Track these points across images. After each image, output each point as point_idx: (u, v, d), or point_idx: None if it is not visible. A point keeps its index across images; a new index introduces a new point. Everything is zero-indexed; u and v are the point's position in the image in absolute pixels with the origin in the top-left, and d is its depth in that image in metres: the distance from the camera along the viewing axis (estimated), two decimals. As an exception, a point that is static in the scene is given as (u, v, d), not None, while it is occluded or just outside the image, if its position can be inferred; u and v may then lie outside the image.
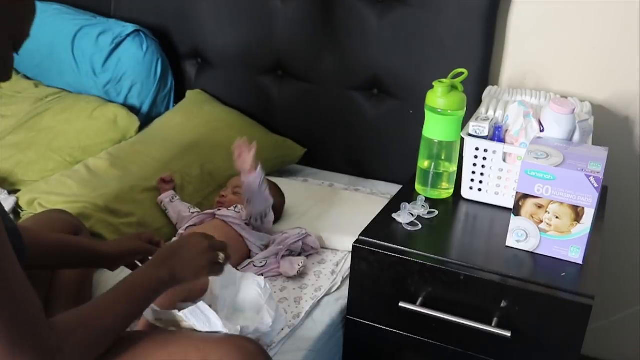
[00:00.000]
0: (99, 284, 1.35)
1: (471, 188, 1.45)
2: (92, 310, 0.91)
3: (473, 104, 1.55)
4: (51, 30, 2.05)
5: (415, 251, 1.27)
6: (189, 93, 2.09)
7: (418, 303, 1.26)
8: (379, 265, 1.28)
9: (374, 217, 1.39)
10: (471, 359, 1.27)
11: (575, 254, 1.23)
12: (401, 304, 1.26)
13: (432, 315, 1.24)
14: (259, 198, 1.47)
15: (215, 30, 1.99)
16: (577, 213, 1.19)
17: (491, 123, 1.40)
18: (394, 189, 1.70)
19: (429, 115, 1.43)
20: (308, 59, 1.90)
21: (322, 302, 1.41)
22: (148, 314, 1.10)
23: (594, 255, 1.26)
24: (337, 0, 1.77)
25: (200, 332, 1.07)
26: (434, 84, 1.40)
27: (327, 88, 1.90)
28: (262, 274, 1.43)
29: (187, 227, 1.50)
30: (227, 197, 1.59)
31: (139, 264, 1.20)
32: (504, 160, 1.38)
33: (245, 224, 1.49)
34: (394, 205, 1.42)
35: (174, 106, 2.10)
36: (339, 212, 1.68)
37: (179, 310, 1.09)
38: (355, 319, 1.36)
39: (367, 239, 1.30)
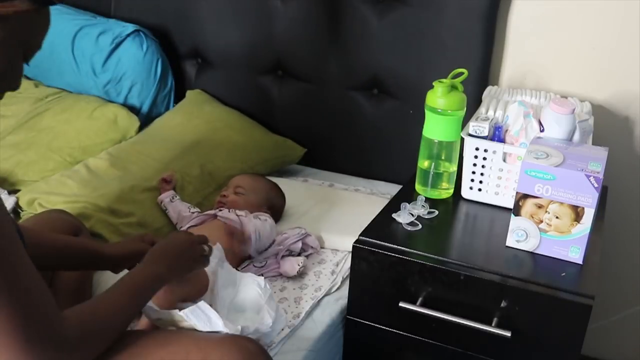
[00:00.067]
0: (98, 284, 1.35)
1: (471, 188, 1.45)
2: (99, 305, 0.94)
3: (473, 104, 1.55)
4: (51, 30, 2.01)
5: (415, 251, 1.27)
6: (189, 93, 2.09)
7: (418, 303, 1.26)
8: (379, 265, 1.28)
9: (374, 217, 1.39)
10: (471, 359, 1.27)
11: (575, 254, 1.23)
12: (401, 304, 1.26)
13: (432, 315, 1.24)
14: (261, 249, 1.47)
15: (215, 30, 1.99)
16: (577, 213, 1.19)
17: (491, 123, 1.40)
18: (394, 189, 1.70)
19: (429, 115, 1.43)
20: (308, 59, 1.90)
21: (322, 302, 1.41)
22: (148, 314, 1.10)
23: (594, 255, 1.26)
24: (338, 1, 1.77)
25: (201, 331, 1.07)
26: (434, 84, 1.40)
27: (327, 88, 1.90)
28: (262, 274, 1.43)
29: (188, 227, 1.50)
30: (229, 197, 1.59)
31: None
32: (504, 160, 1.38)
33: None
34: (394, 205, 1.41)
35: (174, 106, 2.10)
36: (339, 212, 1.68)
37: (179, 310, 1.09)
38: (355, 319, 1.36)
39: (367, 239, 1.30)
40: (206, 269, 1.23)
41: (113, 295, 0.96)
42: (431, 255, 1.25)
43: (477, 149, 1.39)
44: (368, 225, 1.36)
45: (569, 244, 1.23)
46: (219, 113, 1.99)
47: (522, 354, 1.22)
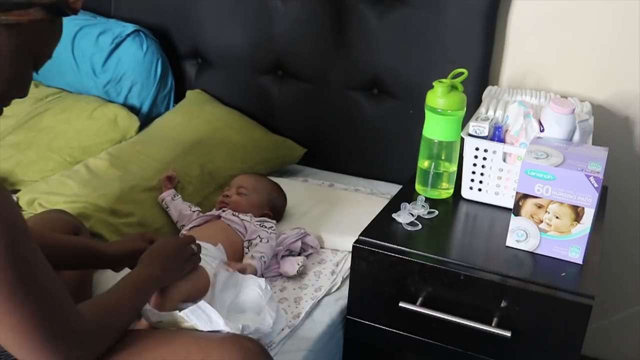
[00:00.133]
0: (98, 284, 1.35)
1: (471, 188, 1.45)
2: (109, 300, 0.97)
3: (473, 104, 1.55)
4: (51, 30, 2.05)
5: (415, 251, 1.27)
6: (189, 93, 2.09)
7: (418, 303, 1.26)
8: (379, 265, 1.28)
9: (374, 217, 1.39)
10: (471, 359, 1.27)
11: (575, 254, 1.23)
12: (401, 304, 1.26)
13: (432, 315, 1.24)
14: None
15: (216, 30, 1.99)
16: (577, 213, 1.19)
17: (491, 123, 1.40)
18: (394, 189, 1.70)
19: (429, 115, 1.43)
20: (308, 59, 1.90)
21: (322, 302, 1.41)
22: (148, 317, 1.10)
23: (594, 255, 1.26)
24: (338, 1, 1.77)
25: (202, 331, 1.07)
26: (434, 84, 1.40)
27: (327, 88, 1.90)
28: (262, 275, 1.43)
29: (191, 227, 1.50)
30: (232, 198, 1.59)
31: None
32: (504, 160, 1.38)
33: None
34: (394, 205, 1.41)
35: (174, 106, 2.10)
36: (339, 212, 1.68)
37: (180, 310, 1.09)
38: (355, 319, 1.36)
39: (367, 239, 1.30)
40: (207, 269, 1.23)
41: (120, 292, 0.99)
42: (431, 255, 1.25)
43: (477, 149, 1.39)
44: (368, 225, 1.36)
45: (569, 244, 1.23)
46: (219, 113, 1.99)
47: (522, 354, 1.22)
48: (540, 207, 1.22)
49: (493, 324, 1.20)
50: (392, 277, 1.28)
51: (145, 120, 2.03)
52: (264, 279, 1.31)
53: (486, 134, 1.38)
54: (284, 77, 1.96)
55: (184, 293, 1.17)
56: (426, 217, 1.39)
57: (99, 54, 2.02)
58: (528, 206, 1.23)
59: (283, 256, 1.49)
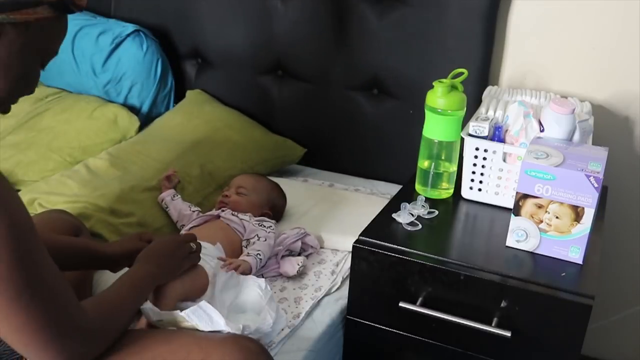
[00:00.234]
0: (98, 284, 1.35)
1: (471, 188, 1.45)
2: (110, 298, 0.98)
3: (473, 104, 1.55)
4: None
5: (415, 251, 1.27)
6: (189, 93, 2.09)
7: (418, 303, 1.26)
8: (379, 265, 1.28)
9: (374, 217, 1.39)
10: (471, 359, 1.27)
11: (575, 254, 1.23)
12: (401, 304, 1.26)
13: (432, 315, 1.24)
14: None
15: (215, 30, 1.99)
16: (577, 213, 1.19)
17: (491, 123, 1.40)
18: (394, 189, 1.70)
19: (429, 115, 1.43)
20: (308, 59, 1.90)
21: (322, 302, 1.41)
22: (149, 316, 1.10)
23: (594, 255, 1.26)
24: (338, 1, 1.77)
25: (202, 331, 1.07)
26: (434, 84, 1.40)
27: (327, 88, 1.90)
28: (262, 275, 1.43)
29: (190, 227, 1.50)
30: (231, 198, 1.59)
31: None
32: (504, 160, 1.38)
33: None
34: (394, 205, 1.41)
35: (174, 106, 2.10)
36: (339, 212, 1.68)
37: (180, 310, 1.09)
38: (355, 319, 1.36)
39: (367, 239, 1.30)
40: (206, 269, 1.23)
41: (119, 290, 1.00)
42: (431, 255, 1.25)
43: (477, 149, 1.39)
44: (368, 225, 1.36)
45: (569, 244, 1.23)
46: (219, 113, 1.99)
47: (522, 354, 1.22)
48: (540, 207, 1.22)
49: (493, 324, 1.20)
50: (392, 277, 1.28)
51: (145, 120, 2.03)
52: (264, 279, 1.31)
53: (486, 134, 1.38)
54: (284, 77, 1.96)
55: (182, 292, 1.17)
56: (426, 217, 1.39)
57: (99, 54, 2.02)
58: (528, 206, 1.23)
59: (283, 256, 1.49)
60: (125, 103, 2.05)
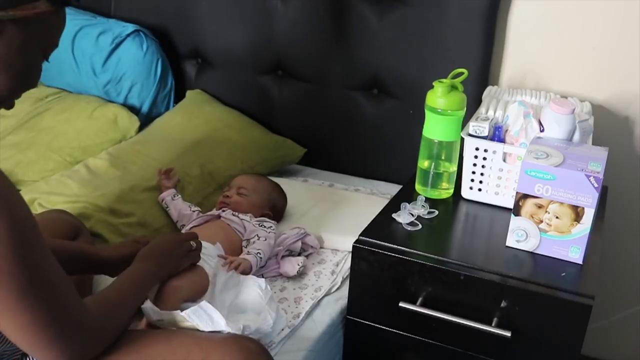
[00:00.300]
0: (98, 285, 1.35)
1: (471, 188, 1.45)
2: (111, 296, 0.98)
3: (473, 104, 1.55)
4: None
5: (415, 251, 1.27)
6: (189, 93, 2.09)
7: (418, 303, 1.26)
8: (379, 265, 1.28)
9: (374, 217, 1.39)
10: (471, 359, 1.27)
11: (575, 254, 1.23)
12: (401, 304, 1.26)
13: (432, 315, 1.24)
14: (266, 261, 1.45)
15: (215, 30, 1.99)
16: (577, 213, 1.19)
17: (491, 123, 1.40)
18: (394, 189, 1.70)
19: (429, 115, 1.43)
20: (308, 59, 1.90)
21: (322, 302, 1.41)
22: (149, 315, 1.10)
23: (594, 255, 1.26)
24: (338, 1, 1.77)
25: (202, 331, 1.07)
26: (434, 84, 1.40)
27: (327, 88, 1.90)
28: (262, 275, 1.43)
29: (191, 227, 1.50)
30: (232, 198, 1.58)
31: None
32: (504, 160, 1.38)
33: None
34: (394, 205, 1.42)
35: (174, 106, 2.10)
36: (339, 212, 1.68)
37: (181, 310, 1.09)
38: (355, 319, 1.36)
39: (367, 239, 1.30)
40: (206, 269, 1.23)
41: (119, 288, 1.01)
42: (431, 255, 1.25)
43: (477, 149, 1.39)
44: (368, 225, 1.36)
45: (569, 244, 1.23)
46: (219, 113, 1.99)
47: (522, 354, 1.22)
48: (540, 207, 1.22)
49: (493, 324, 1.20)
50: (392, 277, 1.28)
51: (145, 120, 2.03)
52: (264, 279, 1.31)
53: (486, 134, 1.38)
54: (284, 77, 1.96)
55: (186, 293, 1.17)
56: (426, 217, 1.39)
57: (99, 54, 2.02)
58: (528, 206, 1.23)
59: (283, 256, 1.49)
60: (125, 103, 2.05)
